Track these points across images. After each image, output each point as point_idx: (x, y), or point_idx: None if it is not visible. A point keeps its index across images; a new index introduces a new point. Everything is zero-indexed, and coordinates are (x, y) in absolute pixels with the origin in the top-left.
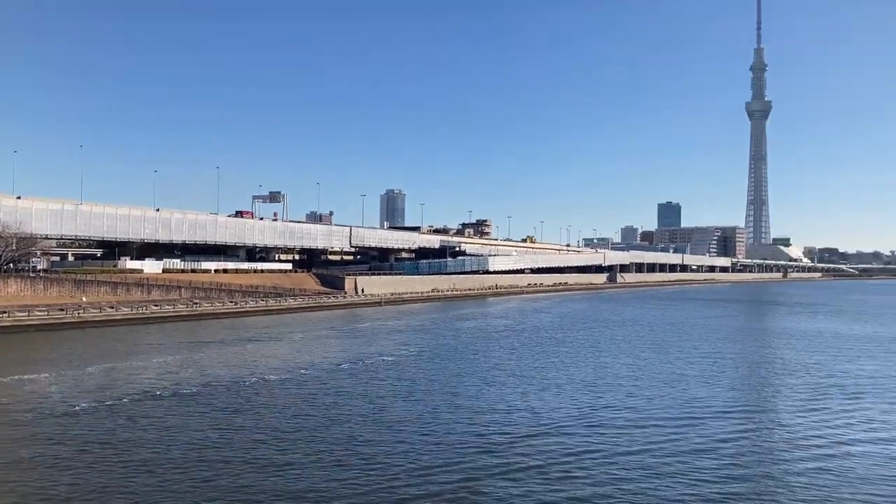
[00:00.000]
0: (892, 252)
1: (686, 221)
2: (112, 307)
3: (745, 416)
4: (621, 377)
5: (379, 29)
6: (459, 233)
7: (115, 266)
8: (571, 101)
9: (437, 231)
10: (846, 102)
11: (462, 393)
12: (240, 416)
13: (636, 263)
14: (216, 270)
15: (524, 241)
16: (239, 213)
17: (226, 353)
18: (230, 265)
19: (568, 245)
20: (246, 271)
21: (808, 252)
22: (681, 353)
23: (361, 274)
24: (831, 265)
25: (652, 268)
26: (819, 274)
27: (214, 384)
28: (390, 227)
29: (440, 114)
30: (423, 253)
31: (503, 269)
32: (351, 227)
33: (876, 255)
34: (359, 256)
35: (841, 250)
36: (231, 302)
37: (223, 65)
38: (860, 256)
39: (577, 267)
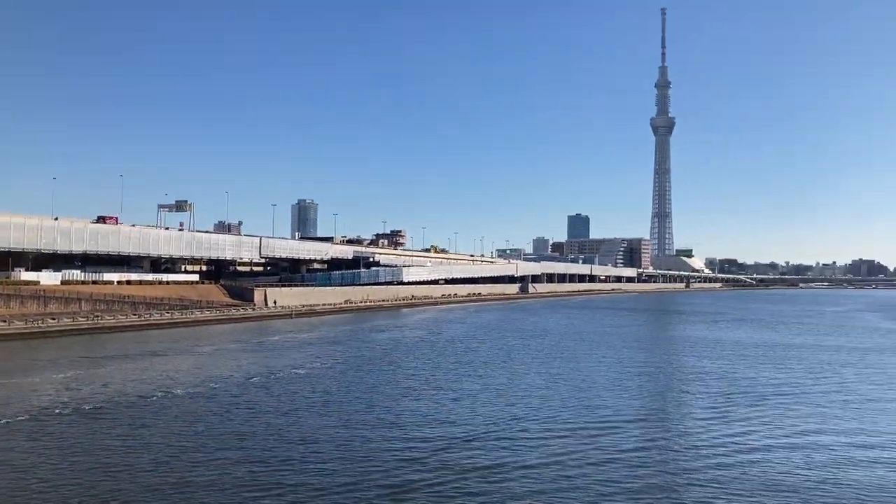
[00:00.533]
0: (787, 263)
1: (595, 233)
2: (4, 321)
3: (654, 423)
4: (535, 386)
5: (288, 28)
6: (373, 243)
7: (7, 277)
8: (483, 117)
9: (350, 242)
10: (744, 121)
11: (378, 405)
12: (147, 431)
13: (547, 274)
14: (119, 282)
15: (438, 251)
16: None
17: (130, 367)
18: (134, 276)
19: (482, 256)
20: (151, 283)
21: (710, 263)
22: (591, 362)
23: (271, 285)
24: (731, 276)
25: (562, 278)
26: (719, 284)
27: (119, 400)
28: (302, 238)
29: (353, 122)
30: (335, 264)
31: (417, 279)
32: (261, 237)
33: (772, 266)
34: (269, 268)
35: (740, 261)
36: (135, 315)
37: (124, 63)
38: (758, 267)
39: (490, 277)
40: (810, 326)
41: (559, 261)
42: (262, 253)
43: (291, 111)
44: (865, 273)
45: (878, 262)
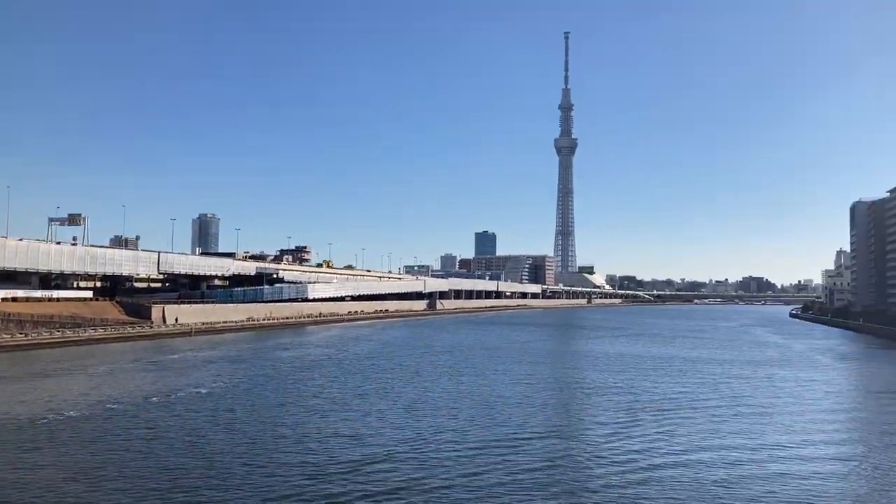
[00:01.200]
0: (683, 279)
1: (501, 250)
2: None
3: (562, 438)
4: (443, 402)
5: (193, 38)
6: (277, 259)
7: None
8: (390, 134)
9: (253, 257)
10: (642, 142)
11: (284, 423)
12: (39, 455)
13: (455, 290)
14: (4, 299)
15: (344, 268)
16: None
17: (17, 388)
18: (20, 293)
19: (389, 272)
20: (39, 300)
21: (610, 279)
22: (499, 377)
23: (170, 302)
24: (630, 292)
25: (470, 294)
26: (619, 300)
27: (5, 423)
28: (203, 254)
29: (258, 136)
30: (238, 280)
31: (323, 296)
32: (159, 252)
33: (668, 283)
34: (168, 284)
35: (639, 278)
36: (21, 333)
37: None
38: (655, 283)
39: (398, 294)
40: (705, 341)
41: (466, 277)
42: (161, 269)
43: (191, 122)
44: (755, 289)
45: (766, 279)
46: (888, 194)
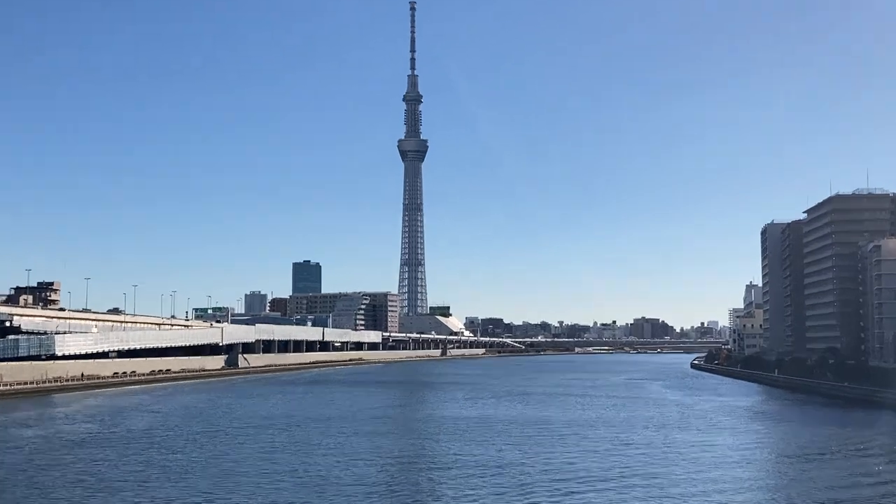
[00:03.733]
0: (561, 323)
1: (328, 286)
2: None
3: None
4: (255, 493)
5: None
6: (11, 301)
7: None
8: (168, 127)
9: None
10: (502, 149)
11: None
12: None
13: (265, 341)
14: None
15: (107, 311)
16: None
17: None
18: None
19: (173, 317)
20: None
21: (471, 323)
22: (328, 456)
23: None
24: (496, 339)
25: (285, 346)
26: (482, 350)
27: None
28: None
29: None
30: None
31: (79, 352)
32: None
33: (544, 327)
34: None
35: (506, 321)
36: None
37: None
38: (527, 328)
39: (185, 347)
40: (587, 399)
41: (281, 322)
42: None
43: None
44: (649, 334)
45: (663, 322)
46: (805, 215)
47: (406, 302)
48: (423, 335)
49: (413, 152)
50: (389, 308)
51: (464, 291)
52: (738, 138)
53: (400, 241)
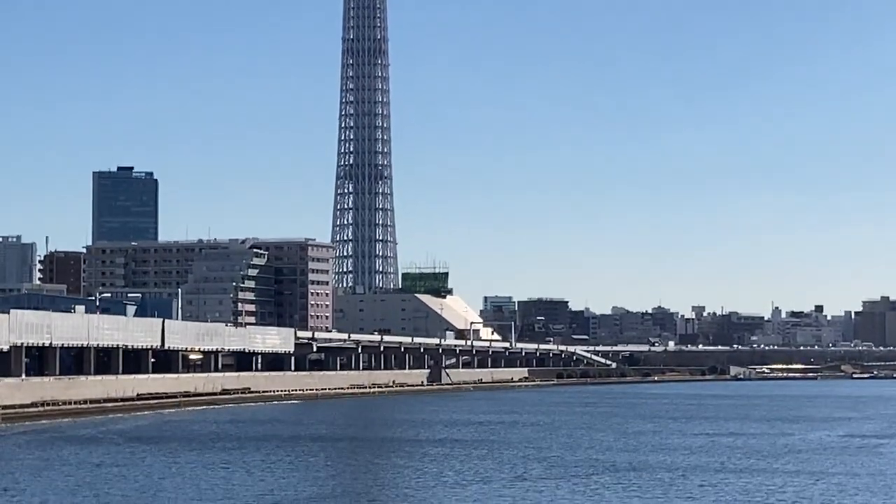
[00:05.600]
0: (701, 311)
1: (175, 228)
2: None
3: None
4: None
5: None
6: None
7: None
8: None
9: None
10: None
11: None
12: None
13: (34, 348)
14: None
15: None
16: None
17: None
18: None
19: None
20: None
21: (497, 311)
22: None
23: None
24: (552, 346)
25: (78, 360)
26: (522, 372)
27: None
28: None
29: None
30: None
31: None
32: None
33: (660, 318)
34: None
35: (573, 306)
36: None
37: None
38: (622, 321)
39: None
40: None
41: (66, 306)
42: None
43: None
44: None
45: None
46: None
47: (351, 264)
48: (388, 337)
49: None
50: (313, 276)
51: (477, 245)
52: None
53: (337, 131)
